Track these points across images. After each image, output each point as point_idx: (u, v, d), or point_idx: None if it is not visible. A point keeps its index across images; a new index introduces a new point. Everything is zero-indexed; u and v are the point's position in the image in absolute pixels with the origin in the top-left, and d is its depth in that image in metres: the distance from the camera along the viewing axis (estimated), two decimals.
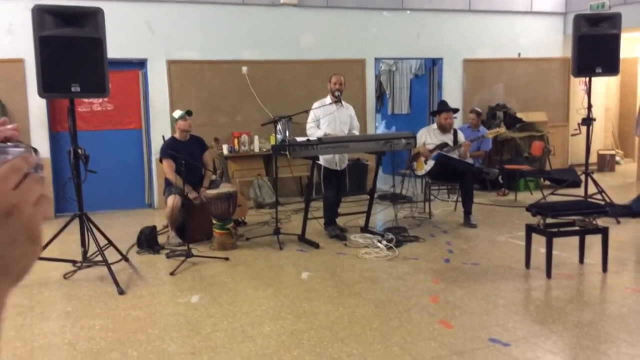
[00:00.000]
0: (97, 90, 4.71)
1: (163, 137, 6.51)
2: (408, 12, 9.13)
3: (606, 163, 10.66)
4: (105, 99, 7.65)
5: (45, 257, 4.76)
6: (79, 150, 4.75)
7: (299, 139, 5.61)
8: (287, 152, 5.47)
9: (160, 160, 6.03)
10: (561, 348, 3.29)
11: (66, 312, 4.08)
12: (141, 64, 7.87)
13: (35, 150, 0.74)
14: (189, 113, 6.05)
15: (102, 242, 4.94)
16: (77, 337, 3.60)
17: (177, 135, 6.06)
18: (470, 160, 6.92)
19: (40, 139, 7.29)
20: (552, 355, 3.19)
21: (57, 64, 4.48)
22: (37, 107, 7.28)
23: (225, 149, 7.83)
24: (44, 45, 4.43)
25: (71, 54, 4.51)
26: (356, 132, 6.24)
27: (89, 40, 4.57)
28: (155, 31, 7.78)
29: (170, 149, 5.79)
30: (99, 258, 4.77)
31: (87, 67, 4.58)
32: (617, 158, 11.19)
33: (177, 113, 6.07)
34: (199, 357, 3.26)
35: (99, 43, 4.61)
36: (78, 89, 4.57)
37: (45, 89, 4.51)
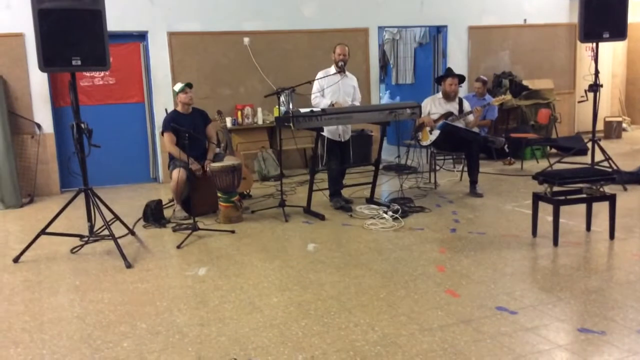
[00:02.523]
0: (98, 63, 4.65)
1: (166, 110, 6.49)
2: None
3: (613, 130, 10.58)
4: (107, 73, 7.60)
5: (52, 232, 4.80)
6: (82, 125, 4.72)
7: (302, 110, 5.56)
8: (290, 124, 5.43)
9: (162, 134, 6.01)
10: (568, 315, 3.29)
11: (75, 286, 4.11)
12: (142, 36, 7.78)
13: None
14: (189, 85, 6.01)
15: (108, 216, 4.95)
16: (86, 311, 3.62)
17: (179, 109, 6.04)
18: (475, 129, 6.87)
19: (43, 114, 7.25)
20: (560, 323, 3.20)
21: (57, 37, 4.42)
22: (39, 82, 7.22)
23: (228, 122, 7.78)
24: (43, 19, 4.38)
25: (71, 26, 4.45)
26: (357, 104, 6.18)
27: (88, 13, 4.50)
28: (155, 2, 7.67)
29: (172, 122, 5.77)
30: (106, 232, 4.79)
31: (87, 39, 4.52)
32: (624, 125, 11.09)
33: (178, 86, 6.05)
34: (208, 329, 3.28)
35: (99, 15, 4.55)
36: (79, 63, 4.52)
37: (45, 63, 4.46)
